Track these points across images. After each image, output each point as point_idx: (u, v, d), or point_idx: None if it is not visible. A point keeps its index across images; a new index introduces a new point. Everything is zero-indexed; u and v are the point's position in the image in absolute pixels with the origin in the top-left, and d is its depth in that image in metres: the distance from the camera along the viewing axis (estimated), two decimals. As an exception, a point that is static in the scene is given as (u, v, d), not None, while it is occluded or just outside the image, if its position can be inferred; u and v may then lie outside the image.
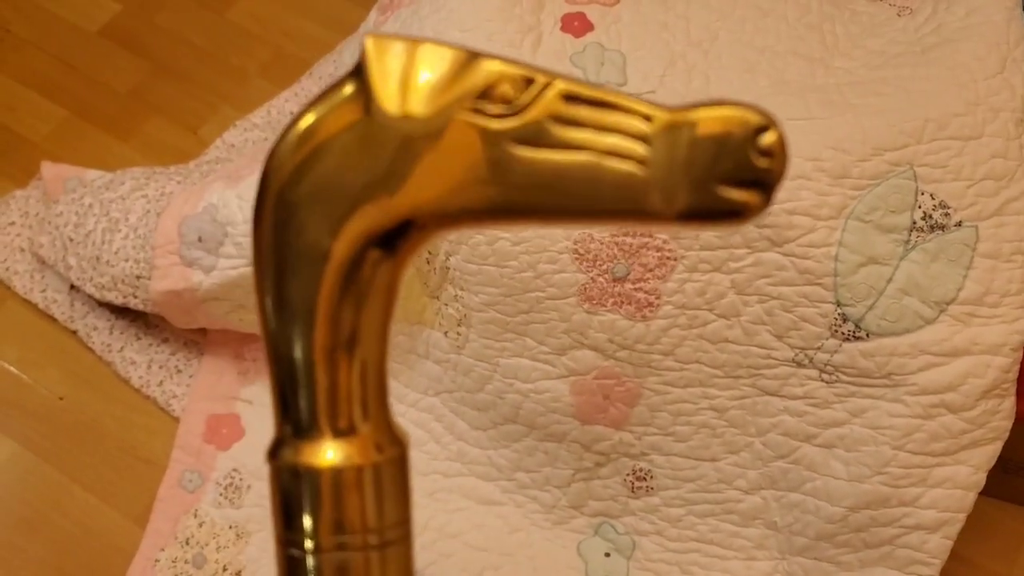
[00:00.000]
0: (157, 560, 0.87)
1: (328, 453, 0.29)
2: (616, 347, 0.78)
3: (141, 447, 0.94)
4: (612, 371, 0.80)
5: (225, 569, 0.86)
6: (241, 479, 0.90)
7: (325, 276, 0.29)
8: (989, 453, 0.73)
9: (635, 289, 0.76)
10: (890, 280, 0.71)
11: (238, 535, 0.88)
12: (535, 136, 0.27)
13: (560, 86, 0.27)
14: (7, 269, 1.02)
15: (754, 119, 0.26)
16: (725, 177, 0.26)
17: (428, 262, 0.83)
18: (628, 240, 0.75)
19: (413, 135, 0.27)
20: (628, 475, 0.85)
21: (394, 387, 0.91)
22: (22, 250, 1.03)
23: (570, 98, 0.27)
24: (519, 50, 0.77)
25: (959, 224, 0.71)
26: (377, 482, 0.29)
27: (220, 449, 0.92)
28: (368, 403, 0.30)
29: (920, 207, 0.71)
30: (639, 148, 0.26)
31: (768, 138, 0.26)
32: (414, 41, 0.28)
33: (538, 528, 0.88)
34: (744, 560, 0.83)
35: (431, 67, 0.27)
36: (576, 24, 0.80)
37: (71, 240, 0.95)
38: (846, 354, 0.73)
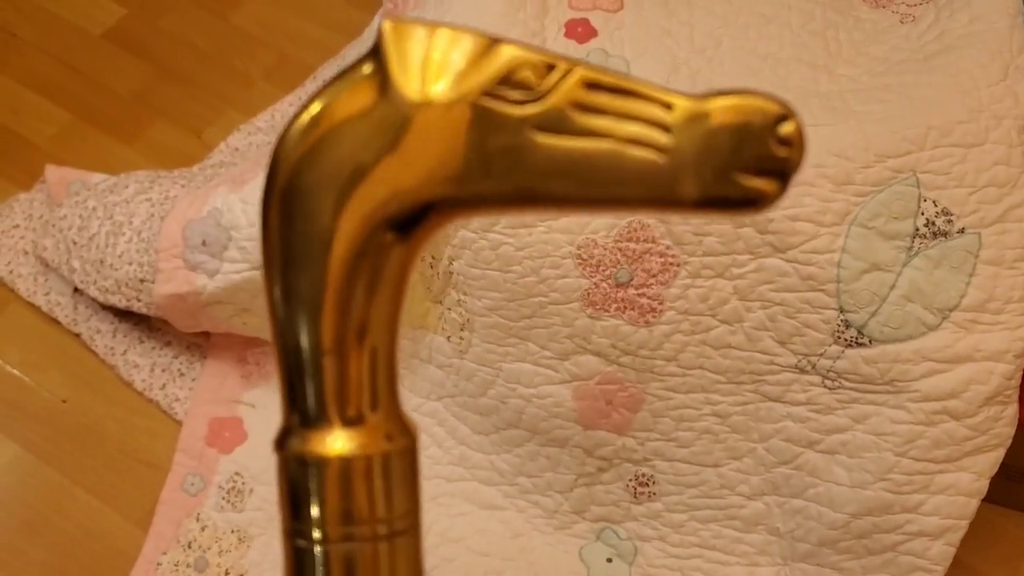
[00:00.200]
0: (159, 564, 0.87)
1: (337, 442, 0.29)
2: (619, 352, 0.78)
3: (143, 450, 0.94)
4: (615, 376, 0.80)
5: (227, 573, 0.86)
6: (243, 483, 0.90)
7: (336, 262, 0.28)
8: (992, 460, 0.73)
9: (638, 295, 0.76)
10: (893, 287, 0.72)
11: (240, 539, 0.88)
12: (555, 123, 0.27)
13: (581, 73, 0.27)
14: (11, 272, 1.02)
15: (773, 108, 0.26)
16: (745, 166, 0.26)
17: (431, 267, 0.83)
18: (631, 246, 0.75)
19: (430, 120, 0.27)
20: (630, 480, 0.85)
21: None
22: (26, 253, 1.03)
23: (591, 85, 0.27)
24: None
25: (962, 231, 0.71)
26: (386, 471, 0.29)
27: (222, 452, 0.92)
28: (378, 392, 0.29)
29: (923, 214, 0.71)
30: (660, 136, 0.27)
31: (787, 127, 0.26)
32: (433, 25, 0.27)
33: (540, 533, 0.88)
34: (746, 566, 0.83)
35: (450, 52, 0.27)
36: (580, 30, 0.80)
37: (75, 243, 0.95)
38: (849, 360, 0.73)
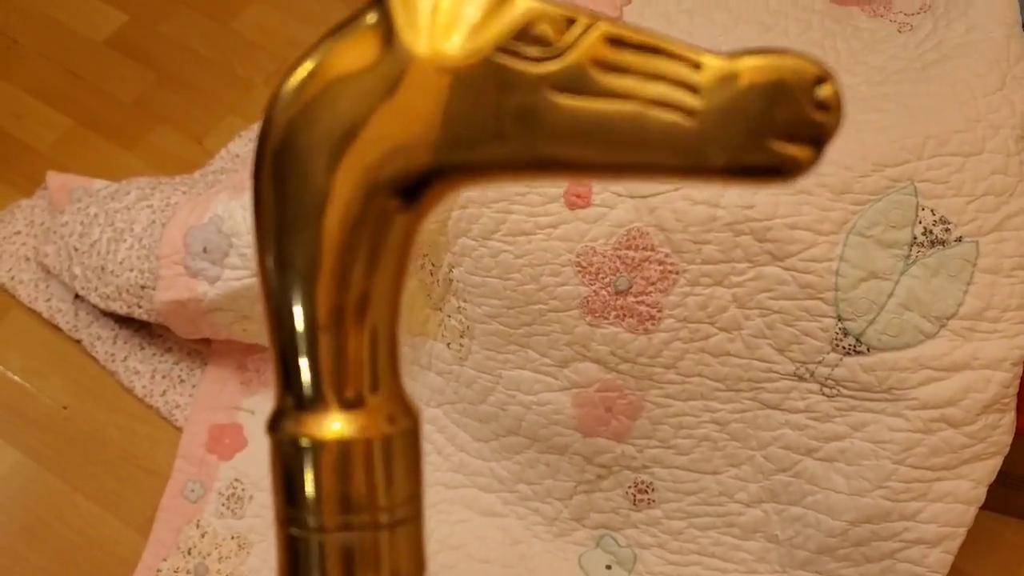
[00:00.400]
0: (159, 570, 0.87)
1: (334, 424, 0.26)
2: (618, 360, 0.79)
3: (144, 456, 0.94)
4: (614, 384, 0.80)
5: (227, 579, 0.87)
6: (243, 489, 0.90)
7: (333, 227, 0.26)
8: (990, 467, 0.73)
9: (637, 302, 0.77)
10: (891, 295, 0.72)
11: (240, 545, 0.88)
12: (575, 82, 0.25)
13: (604, 28, 0.25)
14: (12, 278, 1.02)
15: (811, 69, 0.24)
16: (778, 130, 0.24)
17: (431, 274, 0.83)
18: (630, 254, 0.76)
19: (440, 77, 0.25)
20: (630, 487, 0.85)
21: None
22: (27, 259, 1.03)
23: (615, 41, 0.25)
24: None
25: (959, 239, 0.72)
26: (387, 456, 0.27)
27: (222, 459, 0.92)
28: (379, 372, 0.27)
29: (921, 222, 0.72)
30: (688, 97, 0.24)
31: (825, 90, 0.24)
32: None
33: (540, 540, 0.88)
34: (745, 573, 0.84)
35: (462, 2, 0.25)
36: (579, 39, 0.81)
37: (76, 250, 0.95)
38: (847, 368, 0.74)
